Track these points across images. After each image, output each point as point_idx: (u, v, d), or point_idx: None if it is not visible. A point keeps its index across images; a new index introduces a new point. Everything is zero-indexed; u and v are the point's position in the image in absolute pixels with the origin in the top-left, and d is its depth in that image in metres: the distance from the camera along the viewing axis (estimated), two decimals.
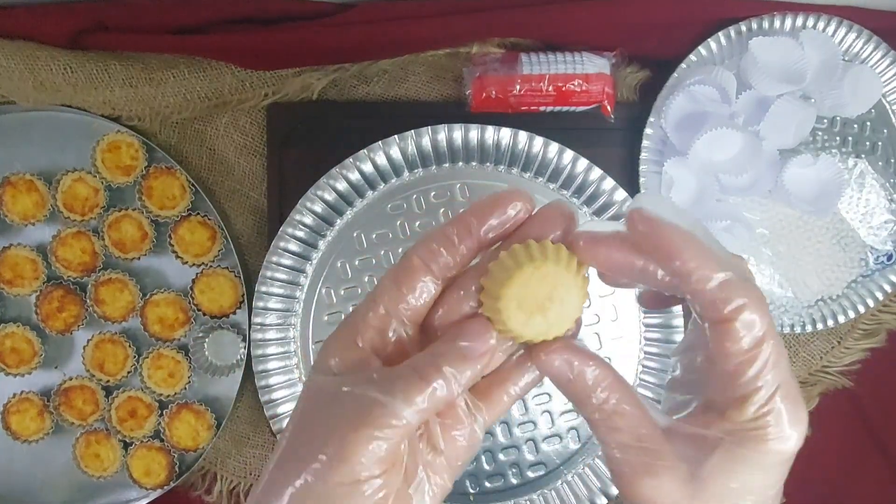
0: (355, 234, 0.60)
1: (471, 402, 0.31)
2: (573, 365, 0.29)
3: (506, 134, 0.58)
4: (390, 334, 0.29)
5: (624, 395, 0.29)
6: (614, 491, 0.60)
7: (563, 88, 0.59)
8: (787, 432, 0.27)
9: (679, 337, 0.60)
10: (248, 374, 0.61)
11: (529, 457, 0.61)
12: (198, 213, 0.61)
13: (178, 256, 0.61)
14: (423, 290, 0.29)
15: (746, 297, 0.26)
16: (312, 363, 0.30)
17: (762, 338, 0.27)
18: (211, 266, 0.61)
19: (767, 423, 0.27)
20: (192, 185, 0.60)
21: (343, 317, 0.59)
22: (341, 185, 0.59)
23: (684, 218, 0.27)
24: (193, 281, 0.61)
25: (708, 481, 0.28)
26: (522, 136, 0.58)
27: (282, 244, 0.59)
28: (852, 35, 0.60)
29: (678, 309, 0.59)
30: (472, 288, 0.29)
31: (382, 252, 0.60)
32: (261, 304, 0.59)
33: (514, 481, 0.61)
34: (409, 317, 0.29)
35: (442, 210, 0.60)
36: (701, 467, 0.28)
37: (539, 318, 0.28)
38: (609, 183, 0.59)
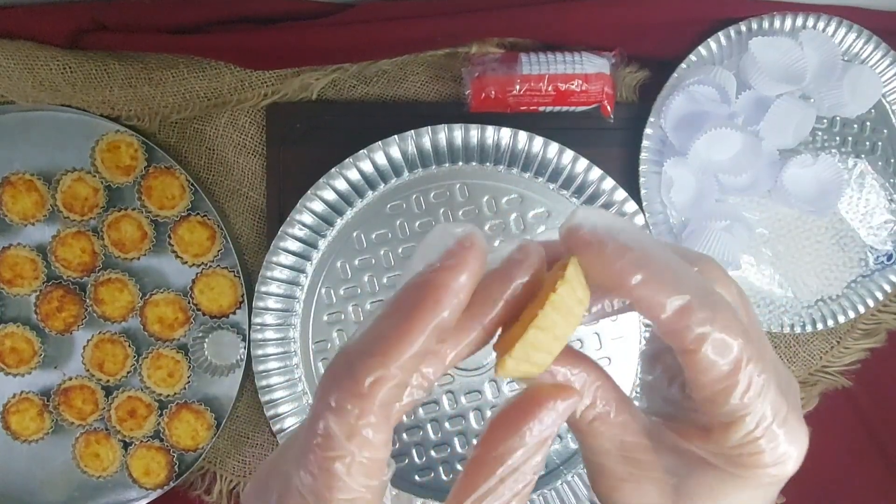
0: (355, 234, 0.60)
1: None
2: (557, 373, 0.25)
3: (506, 134, 0.58)
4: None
5: (610, 398, 0.26)
6: None
7: (563, 88, 0.59)
8: (785, 454, 0.24)
9: None
10: (248, 374, 0.61)
11: None
12: (197, 213, 0.60)
13: (177, 256, 0.61)
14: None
15: (709, 324, 0.23)
16: None
17: (738, 362, 0.23)
18: (210, 266, 0.61)
19: (760, 449, 0.24)
20: (192, 184, 0.60)
21: (342, 317, 0.60)
22: (341, 185, 0.59)
23: (627, 229, 0.23)
24: (193, 281, 0.61)
25: (695, 498, 0.26)
26: (522, 136, 0.58)
27: (282, 244, 0.59)
28: (852, 35, 0.60)
29: None
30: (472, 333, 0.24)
31: (382, 252, 0.60)
32: (261, 304, 0.59)
33: None
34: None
35: (442, 210, 0.60)
36: (686, 482, 0.26)
37: (541, 358, 0.24)
38: (609, 183, 0.59)
